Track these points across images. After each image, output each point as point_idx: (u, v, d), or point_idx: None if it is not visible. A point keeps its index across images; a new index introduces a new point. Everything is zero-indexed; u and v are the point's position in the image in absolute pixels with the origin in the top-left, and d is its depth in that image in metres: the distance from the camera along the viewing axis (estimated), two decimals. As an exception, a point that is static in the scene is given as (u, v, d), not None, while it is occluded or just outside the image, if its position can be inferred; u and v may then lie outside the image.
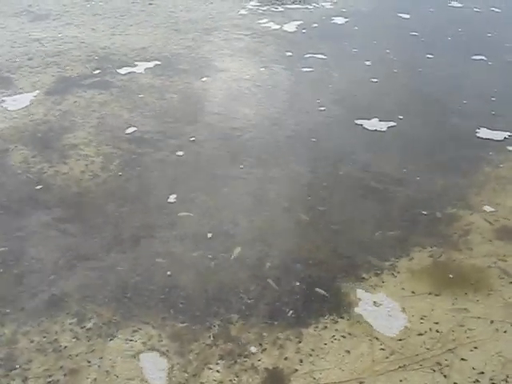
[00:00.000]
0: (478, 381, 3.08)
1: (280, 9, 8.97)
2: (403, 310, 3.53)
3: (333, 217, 4.39)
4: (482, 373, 3.12)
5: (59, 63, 6.97)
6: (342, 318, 3.50)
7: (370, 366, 3.17)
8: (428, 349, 3.27)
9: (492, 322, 3.46)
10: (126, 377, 3.13)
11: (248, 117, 5.82)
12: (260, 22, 8.42)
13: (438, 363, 3.18)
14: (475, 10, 8.93)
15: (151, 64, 7.00)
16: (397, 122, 5.70)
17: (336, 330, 3.42)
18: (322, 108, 5.96)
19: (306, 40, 7.79)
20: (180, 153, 5.19)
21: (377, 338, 3.34)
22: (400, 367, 3.16)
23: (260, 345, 3.32)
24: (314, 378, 3.11)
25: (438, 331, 3.39)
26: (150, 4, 9.27)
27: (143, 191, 4.68)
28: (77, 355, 3.26)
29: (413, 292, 3.68)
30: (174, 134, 5.49)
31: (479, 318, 3.49)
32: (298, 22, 8.33)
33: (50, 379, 3.13)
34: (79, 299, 3.64)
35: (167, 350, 3.29)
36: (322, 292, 3.69)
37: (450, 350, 3.27)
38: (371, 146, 5.33)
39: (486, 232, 4.24)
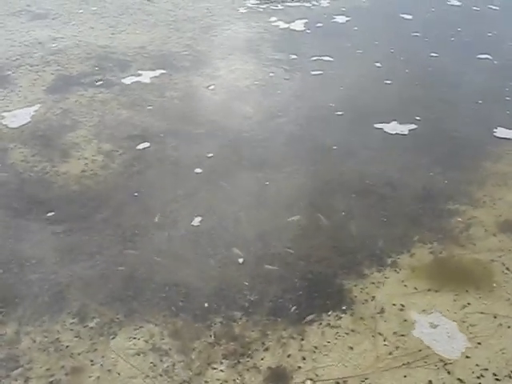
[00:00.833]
0: (482, 376, 3.08)
1: (280, 7, 8.93)
2: (460, 328, 3.41)
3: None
4: (486, 369, 3.12)
5: (59, 62, 6.95)
6: (345, 313, 3.50)
7: (373, 362, 3.17)
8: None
9: (495, 317, 3.45)
10: (129, 375, 3.12)
11: (262, 126, 5.61)
12: (260, 20, 8.38)
13: (442, 360, 3.18)
14: (474, 8, 8.86)
15: (151, 62, 6.98)
16: (417, 125, 5.58)
17: (339, 326, 3.41)
18: (339, 113, 5.81)
19: (309, 39, 7.71)
20: (181, 151, 5.18)
21: (380, 334, 3.35)
22: (403, 363, 3.15)
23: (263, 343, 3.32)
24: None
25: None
26: (149, 1, 9.23)
27: (144, 189, 4.67)
28: (79, 354, 3.26)
29: (415, 288, 3.68)
30: (174, 132, 5.47)
31: (482, 313, 3.48)
32: (300, 21, 8.24)
33: (52, 379, 3.13)
34: (80, 298, 3.63)
35: (169, 348, 3.28)
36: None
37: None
38: (395, 151, 5.20)
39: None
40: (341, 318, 3.48)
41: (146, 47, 7.42)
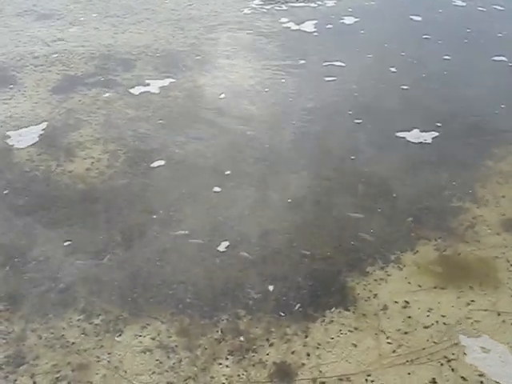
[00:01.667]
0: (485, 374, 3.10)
1: (284, 7, 8.91)
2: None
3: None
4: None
5: (63, 62, 6.97)
6: (348, 311, 3.52)
7: (377, 359, 3.19)
8: (435, 342, 3.29)
9: (499, 314, 3.47)
10: (135, 372, 3.15)
11: (275, 136, 5.44)
12: (266, 21, 8.34)
13: (446, 357, 3.19)
14: (480, 9, 8.75)
15: (155, 62, 7.01)
16: (439, 132, 5.42)
17: (343, 324, 3.43)
18: (358, 121, 5.65)
19: (317, 41, 7.68)
20: (186, 150, 5.20)
21: (383, 331, 3.37)
22: (407, 361, 3.17)
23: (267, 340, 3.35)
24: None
25: (444, 324, 3.41)
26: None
27: (149, 188, 4.69)
28: (85, 351, 3.29)
29: (419, 286, 3.69)
30: (179, 131, 5.50)
31: (486, 310, 3.50)
32: (308, 22, 8.19)
33: (58, 375, 3.15)
34: (86, 296, 3.67)
35: (176, 346, 3.31)
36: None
37: (456, 343, 3.28)
38: (423, 161, 5.03)
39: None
40: (344, 315, 3.50)
41: (150, 46, 7.44)
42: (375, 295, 3.63)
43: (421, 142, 5.28)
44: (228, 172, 4.88)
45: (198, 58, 7.13)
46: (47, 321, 3.49)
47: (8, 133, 5.46)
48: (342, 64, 6.86)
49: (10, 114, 5.78)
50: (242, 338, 3.35)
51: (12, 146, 5.27)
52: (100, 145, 5.27)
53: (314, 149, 5.23)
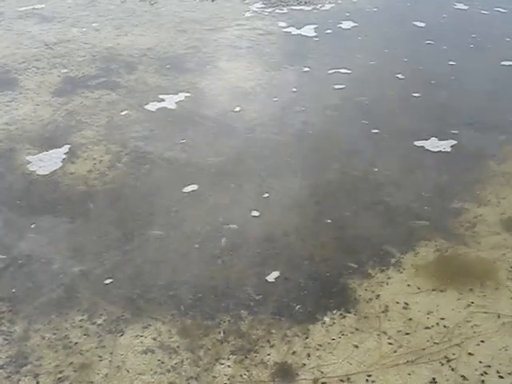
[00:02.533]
0: (485, 373, 3.11)
1: (285, 10, 8.93)
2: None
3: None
4: (489, 366, 3.15)
5: (65, 64, 7.00)
6: (349, 312, 3.54)
7: (377, 360, 3.20)
8: (435, 343, 3.30)
9: (499, 316, 3.48)
10: (137, 372, 3.16)
11: (291, 149, 5.31)
12: (267, 24, 8.36)
13: (446, 357, 3.21)
14: (482, 12, 8.71)
15: (157, 64, 7.03)
16: (457, 140, 5.34)
17: (343, 325, 3.45)
18: (375, 131, 5.55)
19: (318, 46, 7.65)
20: (188, 152, 5.22)
21: (384, 333, 3.38)
22: (408, 361, 3.19)
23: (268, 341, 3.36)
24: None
25: (444, 326, 3.42)
26: (154, 3, 9.28)
27: (151, 189, 4.71)
28: (87, 351, 3.30)
29: (418, 288, 3.71)
30: (181, 133, 5.52)
31: (486, 312, 3.51)
32: (306, 27, 8.17)
33: (61, 375, 3.17)
34: (89, 297, 3.68)
35: (178, 346, 3.32)
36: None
37: (456, 344, 3.30)
38: (444, 171, 4.94)
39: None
40: (345, 317, 3.51)
41: (153, 49, 7.47)
42: (377, 297, 3.64)
43: (440, 151, 5.21)
44: (230, 173, 4.91)
45: (199, 60, 7.16)
46: (50, 321, 3.51)
47: (28, 157, 5.21)
48: (348, 71, 6.80)
49: (12, 115, 5.80)
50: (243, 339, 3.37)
51: (33, 171, 5.00)
52: (102, 146, 5.29)
53: (334, 160, 5.14)
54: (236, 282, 3.78)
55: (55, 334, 3.42)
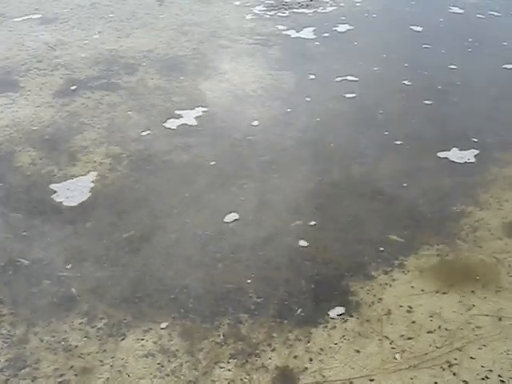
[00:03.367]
0: (487, 378, 3.09)
1: (287, 13, 8.92)
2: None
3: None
4: (491, 370, 3.13)
5: (67, 66, 7.00)
6: (351, 316, 3.53)
7: (379, 364, 3.19)
8: (437, 347, 3.29)
9: (500, 319, 3.47)
10: (138, 376, 3.15)
11: (309, 162, 5.14)
12: (269, 28, 8.33)
13: (448, 361, 3.20)
14: (478, 16, 8.67)
15: (157, 66, 7.03)
16: (479, 149, 5.22)
17: (345, 329, 3.43)
18: (398, 142, 5.40)
19: (321, 52, 7.61)
20: (190, 154, 5.21)
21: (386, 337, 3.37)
22: (410, 366, 3.17)
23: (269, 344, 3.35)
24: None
25: (446, 329, 3.41)
26: (160, 5, 9.28)
27: (152, 192, 4.70)
28: (88, 354, 3.29)
29: (422, 290, 3.70)
30: (184, 135, 5.51)
31: (487, 315, 3.50)
32: (305, 30, 8.11)
33: (61, 379, 3.15)
34: (89, 300, 3.67)
35: (177, 350, 3.31)
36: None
37: (458, 348, 3.29)
38: (477, 184, 4.82)
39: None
40: (347, 320, 3.50)
41: (154, 51, 7.47)
42: (379, 300, 3.63)
43: (465, 162, 5.10)
44: (232, 174, 4.91)
45: (200, 62, 7.16)
46: (49, 324, 3.50)
47: (52, 186, 4.86)
48: (355, 78, 6.70)
49: (13, 118, 5.80)
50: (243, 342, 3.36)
51: (60, 203, 4.66)
52: (103, 148, 5.28)
53: (363, 175, 4.99)
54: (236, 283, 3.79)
55: (54, 336, 3.41)
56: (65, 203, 4.59)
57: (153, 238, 4.20)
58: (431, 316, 3.50)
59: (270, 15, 8.85)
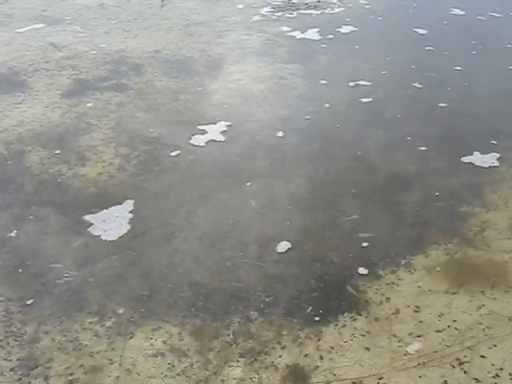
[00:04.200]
0: (497, 376, 3.09)
1: (294, 14, 8.91)
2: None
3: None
4: (501, 369, 3.13)
5: (74, 66, 7.03)
6: (360, 315, 3.53)
7: (389, 362, 3.19)
8: (447, 346, 3.29)
9: (510, 319, 3.47)
10: (148, 375, 3.15)
11: (334, 172, 5.03)
12: (276, 29, 8.34)
13: (458, 359, 3.19)
14: (479, 18, 8.62)
15: (165, 66, 7.04)
16: (500, 152, 5.16)
17: (355, 328, 3.44)
18: (422, 148, 5.31)
19: (329, 55, 7.63)
20: (196, 154, 5.22)
21: (395, 335, 3.37)
22: (419, 364, 3.17)
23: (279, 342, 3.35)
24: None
25: (456, 329, 3.41)
26: (163, 6, 9.30)
27: (161, 191, 4.71)
28: (98, 353, 3.30)
29: (429, 290, 3.69)
30: (190, 135, 5.52)
31: (497, 315, 3.50)
32: (315, 30, 8.11)
33: (71, 377, 3.16)
34: (99, 299, 3.68)
35: (188, 349, 3.32)
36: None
37: (468, 347, 3.28)
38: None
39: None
40: (356, 319, 3.50)
41: (161, 51, 7.49)
42: (387, 299, 3.63)
43: (490, 166, 5.01)
44: (232, 175, 4.92)
45: (207, 63, 7.17)
46: (60, 323, 3.51)
47: (86, 217, 4.52)
48: (367, 83, 6.62)
49: (21, 118, 5.81)
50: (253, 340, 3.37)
51: (98, 236, 4.32)
52: (111, 148, 5.30)
53: (393, 183, 4.90)
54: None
55: (65, 335, 3.42)
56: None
57: (160, 236, 4.22)
58: (440, 315, 3.50)
59: (278, 16, 8.84)
